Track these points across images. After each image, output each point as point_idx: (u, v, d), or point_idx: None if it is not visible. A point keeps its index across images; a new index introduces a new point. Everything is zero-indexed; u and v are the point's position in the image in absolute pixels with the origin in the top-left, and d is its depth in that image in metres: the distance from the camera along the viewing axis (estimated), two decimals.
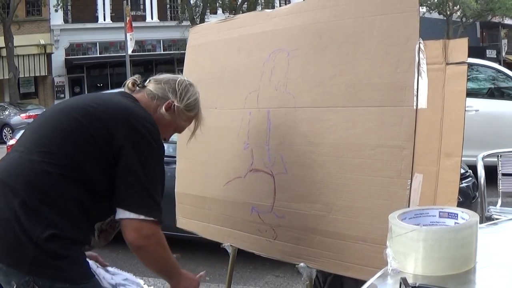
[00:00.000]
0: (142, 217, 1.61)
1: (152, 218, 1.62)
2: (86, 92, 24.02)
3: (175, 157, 2.59)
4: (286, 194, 2.02)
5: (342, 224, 1.82)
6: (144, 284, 2.07)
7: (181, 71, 2.67)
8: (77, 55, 26.08)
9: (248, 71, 2.19)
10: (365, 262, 1.75)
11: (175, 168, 2.61)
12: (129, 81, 1.89)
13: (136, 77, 1.92)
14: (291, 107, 1.99)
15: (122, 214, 1.62)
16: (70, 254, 1.57)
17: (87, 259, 1.73)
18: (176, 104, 1.84)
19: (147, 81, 1.91)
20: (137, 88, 1.88)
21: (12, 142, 5.69)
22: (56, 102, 23.66)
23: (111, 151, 1.63)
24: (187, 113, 1.88)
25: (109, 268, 2.02)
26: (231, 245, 2.29)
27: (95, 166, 1.62)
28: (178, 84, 1.86)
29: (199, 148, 2.35)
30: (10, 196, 1.58)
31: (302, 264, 1.95)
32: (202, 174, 2.42)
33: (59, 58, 25.20)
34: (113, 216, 1.67)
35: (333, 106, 1.85)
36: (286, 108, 2.01)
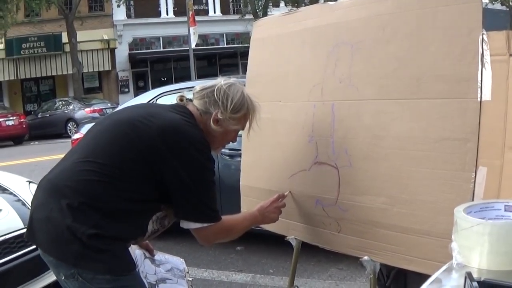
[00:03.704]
0: (205, 224, 1.85)
1: (212, 223, 1.86)
2: (150, 87, 24.62)
3: (240, 150, 2.65)
4: (350, 187, 2.04)
5: (406, 218, 1.84)
6: (187, 272, 2.29)
7: (245, 65, 2.72)
8: (140, 50, 26.83)
9: (312, 64, 2.22)
10: (429, 256, 1.76)
11: (240, 161, 2.69)
12: (177, 97, 2.01)
13: (183, 93, 2.04)
14: (356, 99, 2.02)
15: (187, 224, 1.86)
16: (111, 249, 1.74)
17: (136, 249, 2.01)
18: (220, 116, 1.90)
19: (192, 95, 2.00)
20: (186, 102, 1.98)
21: (77, 136, 5.91)
22: (120, 96, 24.58)
23: (157, 167, 1.78)
24: (236, 115, 1.93)
25: (156, 257, 2.21)
26: (295, 238, 2.34)
27: (141, 179, 1.78)
28: (216, 94, 1.91)
29: (263, 141, 2.40)
30: (61, 198, 1.75)
31: (366, 257, 1.98)
32: (266, 167, 2.46)
33: (122, 53, 26.03)
34: (160, 215, 1.88)
35: (397, 98, 1.87)
36: (350, 100, 2.04)
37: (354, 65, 2.04)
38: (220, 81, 1.96)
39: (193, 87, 2.03)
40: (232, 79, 2.00)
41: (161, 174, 1.78)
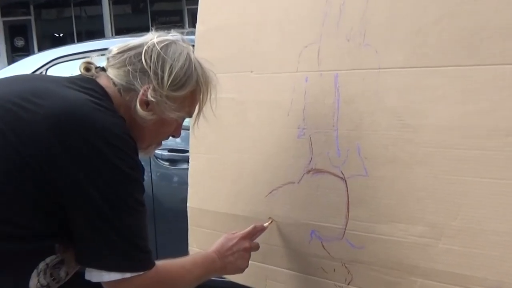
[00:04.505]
0: (127, 275, 1.83)
1: (140, 273, 1.85)
2: (35, 48, 24.38)
3: (186, 151, 2.69)
4: (367, 210, 2.05)
5: (461, 259, 1.83)
6: None
7: (193, 12, 2.76)
8: None
9: (303, 12, 2.23)
10: None
11: (186, 169, 2.70)
12: (81, 64, 1.98)
13: (90, 59, 2.01)
14: (373, 68, 2.01)
15: (97, 275, 1.83)
16: None
17: None
18: (152, 95, 1.90)
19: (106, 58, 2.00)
20: (96, 72, 1.98)
21: None
22: None
23: (49, 182, 1.73)
24: (178, 93, 1.95)
25: None
26: None
27: (22, 203, 1.74)
28: (146, 59, 1.91)
29: (225, 137, 2.41)
30: None
31: None
32: (231, 179, 2.48)
33: None
34: (52, 262, 1.84)
35: (442, 65, 1.86)
36: (365, 70, 2.04)
37: (370, 13, 2.04)
38: (152, 37, 1.97)
39: (107, 48, 2.03)
40: (171, 35, 2.02)
41: (56, 194, 1.75)
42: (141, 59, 1.92)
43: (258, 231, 2.23)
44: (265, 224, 2.25)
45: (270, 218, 2.28)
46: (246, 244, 2.19)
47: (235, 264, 2.17)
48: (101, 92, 1.91)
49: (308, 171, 2.21)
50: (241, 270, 2.20)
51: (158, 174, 4.02)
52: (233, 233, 2.21)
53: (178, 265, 2.05)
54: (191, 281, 2.07)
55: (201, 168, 2.63)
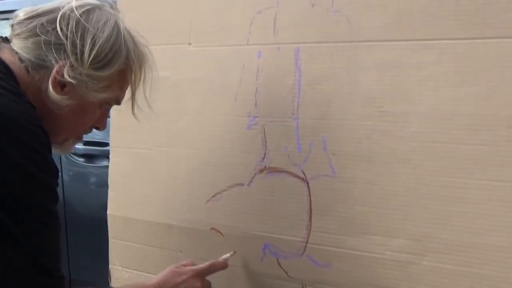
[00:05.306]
0: None
1: None
2: None
3: (105, 144, 2.68)
4: (334, 219, 2.06)
5: (450, 280, 1.84)
6: None
7: None
8: None
9: None
10: None
11: (105, 167, 2.72)
12: None
13: None
14: (345, 41, 2.02)
15: None
16: None
17: None
18: (69, 73, 1.87)
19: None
20: None
21: None
22: None
23: None
24: (102, 73, 1.93)
25: None
26: None
27: None
28: (61, 27, 1.88)
29: (156, 127, 2.42)
30: None
31: None
32: (162, 179, 2.48)
33: None
34: None
35: (431, 38, 1.87)
36: (334, 43, 2.05)
37: None
38: (71, 1, 1.94)
39: (11, 12, 2.00)
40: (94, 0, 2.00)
41: None
42: (56, 27, 1.88)
43: (216, 269, 2.21)
44: (224, 257, 2.25)
45: (234, 252, 2.27)
46: (197, 284, 2.17)
47: None
48: (3, 70, 1.87)
49: (261, 171, 2.22)
50: None
51: (70, 173, 4.04)
52: (183, 265, 2.20)
53: None
54: None
55: (125, 166, 2.62)
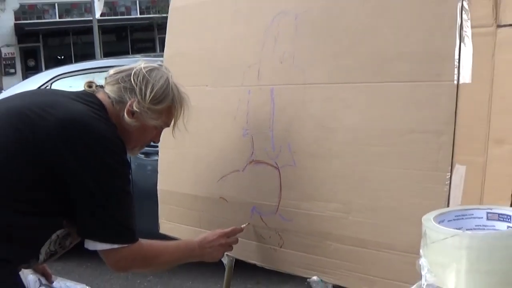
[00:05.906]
0: (115, 246, 1.84)
1: (126, 245, 1.86)
2: (43, 67, 23.96)
3: (156, 146, 2.62)
4: (295, 192, 2.04)
5: (364, 228, 1.83)
6: None
7: (163, 40, 2.71)
8: (30, 20, 26.02)
9: (246, 39, 2.20)
10: (392, 275, 1.76)
11: (157, 160, 2.66)
12: (85, 83, 1.99)
13: (92, 79, 2.02)
14: (300, 83, 2.00)
15: (93, 245, 1.85)
16: None
17: (30, 274, 2.08)
18: (136, 106, 1.91)
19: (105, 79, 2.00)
20: (96, 88, 1.97)
21: None
22: (4, 79, 23.73)
23: (57, 172, 1.76)
24: (156, 107, 1.94)
25: (55, 284, 2.23)
26: (227, 255, 2.31)
27: (38, 187, 1.76)
28: (134, 79, 1.92)
29: (186, 135, 2.36)
30: None
31: (314, 277, 1.98)
32: (191, 167, 2.45)
33: (6, 22, 25.02)
34: (61, 234, 1.86)
35: (352, 82, 1.85)
36: (294, 85, 2.03)
37: (298, 40, 2.02)
38: (140, 64, 1.98)
39: (99, 68, 2.04)
40: (156, 64, 2.04)
41: (62, 181, 1.77)
42: (131, 78, 1.92)
43: (236, 232, 2.17)
44: (242, 226, 2.20)
45: (248, 223, 2.21)
46: (222, 241, 2.13)
47: (212, 254, 2.13)
48: (99, 104, 1.90)
49: (250, 162, 2.19)
50: (215, 259, 2.17)
51: (135, 164, 4.02)
52: (217, 231, 2.17)
53: (163, 245, 2.04)
54: (172, 259, 2.08)
55: (168, 159, 2.59)
